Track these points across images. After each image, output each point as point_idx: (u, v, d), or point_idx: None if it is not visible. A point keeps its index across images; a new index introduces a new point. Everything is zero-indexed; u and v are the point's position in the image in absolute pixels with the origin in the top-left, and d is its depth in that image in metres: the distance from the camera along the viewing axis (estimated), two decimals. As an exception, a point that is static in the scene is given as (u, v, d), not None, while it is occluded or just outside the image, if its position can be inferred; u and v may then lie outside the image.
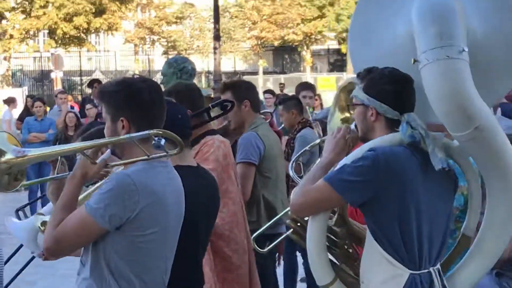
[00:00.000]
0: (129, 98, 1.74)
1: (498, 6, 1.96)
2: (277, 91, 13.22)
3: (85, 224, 1.66)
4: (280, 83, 17.32)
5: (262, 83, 22.31)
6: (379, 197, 1.75)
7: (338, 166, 1.83)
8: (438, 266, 1.87)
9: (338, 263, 1.98)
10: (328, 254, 1.91)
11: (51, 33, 24.25)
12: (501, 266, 3.08)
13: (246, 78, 17.18)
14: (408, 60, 1.79)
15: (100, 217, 1.64)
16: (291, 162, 2.44)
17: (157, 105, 1.78)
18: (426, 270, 1.82)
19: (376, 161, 1.72)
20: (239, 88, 3.37)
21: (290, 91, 12.94)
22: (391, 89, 1.82)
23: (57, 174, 1.92)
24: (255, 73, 28.25)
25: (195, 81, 4.32)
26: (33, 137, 8.46)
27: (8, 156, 1.79)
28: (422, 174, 1.78)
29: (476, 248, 1.96)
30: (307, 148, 2.53)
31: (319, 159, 2.11)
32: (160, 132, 1.70)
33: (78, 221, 1.67)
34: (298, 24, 27.41)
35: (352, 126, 1.98)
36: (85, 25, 23.58)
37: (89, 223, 1.65)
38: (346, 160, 1.82)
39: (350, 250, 2.03)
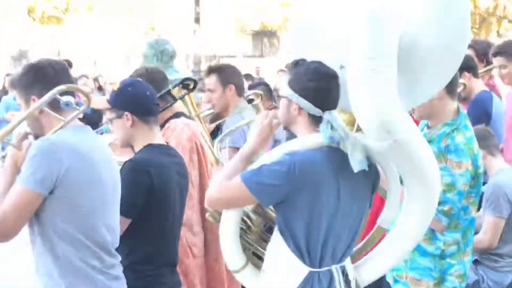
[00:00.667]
0: (35, 76, 1.87)
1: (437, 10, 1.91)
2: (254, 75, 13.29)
3: (21, 196, 1.73)
4: (256, 67, 17.35)
5: (241, 67, 22.35)
6: (290, 200, 1.82)
7: (256, 165, 1.88)
8: (343, 263, 1.93)
9: (251, 248, 2.07)
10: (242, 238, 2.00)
11: (30, 12, 23.83)
12: (480, 254, 3.40)
13: (225, 61, 17.19)
14: (343, 56, 1.79)
15: (32, 183, 1.72)
16: (216, 143, 2.45)
17: (62, 78, 1.86)
18: (326, 268, 1.88)
19: (291, 167, 1.78)
20: (224, 72, 3.40)
21: (269, 75, 13.14)
22: (313, 86, 1.83)
23: None
24: (234, 56, 28.23)
25: (175, 63, 4.47)
26: (11, 116, 8.53)
27: None
28: (339, 176, 1.84)
29: (387, 242, 2.06)
30: (232, 127, 2.62)
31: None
32: (63, 87, 1.79)
33: (13, 196, 1.74)
34: (277, 8, 27.45)
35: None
36: (64, 5, 23.22)
37: (24, 194, 1.73)
38: (265, 159, 1.87)
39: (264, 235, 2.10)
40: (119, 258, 1.94)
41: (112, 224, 1.91)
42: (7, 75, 12.70)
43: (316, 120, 1.86)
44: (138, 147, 2.23)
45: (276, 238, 1.91)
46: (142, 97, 2.19)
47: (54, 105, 1.82)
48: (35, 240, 1.83)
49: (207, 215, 2.17)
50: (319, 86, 1.84)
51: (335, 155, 1.82)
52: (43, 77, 1.85)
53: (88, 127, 1.96)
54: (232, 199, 1.89)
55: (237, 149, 2.96)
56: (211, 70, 3.46)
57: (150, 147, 2.21)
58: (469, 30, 2.01)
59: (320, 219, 1.83)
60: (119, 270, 1.93)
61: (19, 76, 1.95)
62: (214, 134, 3.43)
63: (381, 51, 1.69)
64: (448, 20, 1.84)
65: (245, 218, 2.02)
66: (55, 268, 1.77)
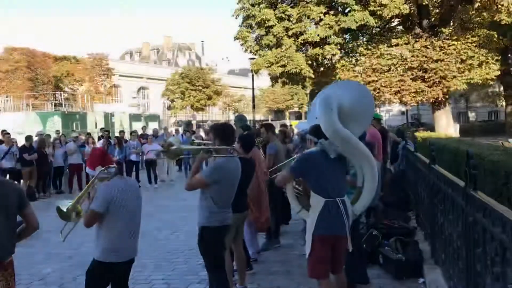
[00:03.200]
0: (219, 132, 4.62)
1: (355, 93, 4.71)
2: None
3: (201, 181, 4.32)
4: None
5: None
6: (306, 175, 4.33)
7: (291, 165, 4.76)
8: (344, 197, 4.22)
9: (301, 201, 4.54)
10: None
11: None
12: None
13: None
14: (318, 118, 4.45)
15: (209, 178, 4.31)
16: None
17: (232, 136, 4.72)
18: (332, 199, 4.13)
19: (304, 158, 4.47)
20: None
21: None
22: (315, 132, 4.41)
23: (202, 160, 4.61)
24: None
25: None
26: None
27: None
28: (328, 161, 4.20)
29: (362, 193, 4.40)
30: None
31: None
32: (232, 147, 4.67)
33: (198, 177, 4.34)
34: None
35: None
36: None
37: (202, 180, 4.32)
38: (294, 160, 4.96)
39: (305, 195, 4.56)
40: None
41: (231, 197, 4.61)
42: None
43: (315, 143, 4.38)
44: None
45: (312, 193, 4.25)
46: (247, 139, 5.55)
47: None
48: (201, 196, 4.50)
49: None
50: (317, 132, 4.39)
51: (325, 153, 4.22)
52: (224, 134, 4.59)
53: (236, 156, 4.76)
54: (284, 179, 4.51)
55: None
56: None
57: (240, 158, 5.01)
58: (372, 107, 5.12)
59: (323, 180, 4.18)
60: None
61: (215, 127, 4.81)
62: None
63: (330, 107, 4.33)
64: (360, 99, 4.68)
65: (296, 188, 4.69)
66: None
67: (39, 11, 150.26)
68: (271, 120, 57.13)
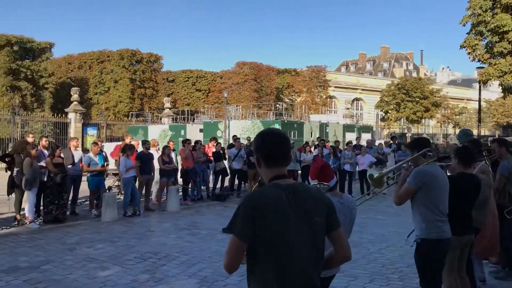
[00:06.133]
0: (419, 143, 4.62)
1: None
2: None
3: (408, 189, 4.23)
4: None
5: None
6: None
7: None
8: None
9: None
10: None
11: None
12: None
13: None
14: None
15: (412, 183, 4.21)
16: None
17: (426, 145, 4.52)
18: None
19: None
20: None
21: None
22: None
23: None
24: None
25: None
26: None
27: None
28: None
29: None
30: None
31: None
32: (430, 151, 4.42)
33: (404, 189, 4.25)
34: None
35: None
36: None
37: (409, 188, 4.22)
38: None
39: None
40: None
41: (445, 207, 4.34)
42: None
43: None
44: None
45: None
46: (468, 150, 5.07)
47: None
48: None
49: None
50: None
51: None
52: (418, 146, 4.50)
53: (435, 163, 4.45)
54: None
55: None
56: None
57: (459, 173, 4.80)
58: None
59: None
60: None
61: (414, 140, 4.73)
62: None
63: None
64: None
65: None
66: None
67: (265, 30, 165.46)
68: (498, 136, 51.65)
